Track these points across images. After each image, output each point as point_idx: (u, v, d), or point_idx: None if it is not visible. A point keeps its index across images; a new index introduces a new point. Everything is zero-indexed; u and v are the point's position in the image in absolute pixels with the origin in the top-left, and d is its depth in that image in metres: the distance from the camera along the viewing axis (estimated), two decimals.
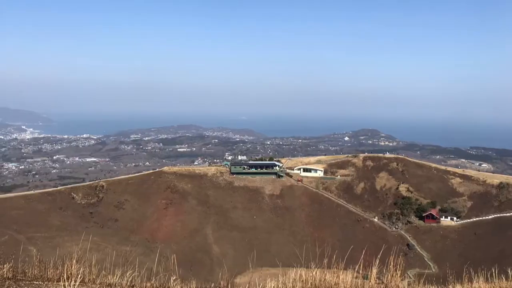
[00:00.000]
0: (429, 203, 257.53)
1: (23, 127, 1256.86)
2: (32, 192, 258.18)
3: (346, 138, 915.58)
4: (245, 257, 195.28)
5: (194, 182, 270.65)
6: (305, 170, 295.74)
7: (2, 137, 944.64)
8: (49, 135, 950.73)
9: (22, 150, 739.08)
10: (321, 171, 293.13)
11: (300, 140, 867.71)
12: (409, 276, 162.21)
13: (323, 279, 17.03)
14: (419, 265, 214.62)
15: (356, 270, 21.03)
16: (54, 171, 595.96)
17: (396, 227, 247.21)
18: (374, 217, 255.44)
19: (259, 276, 18.36)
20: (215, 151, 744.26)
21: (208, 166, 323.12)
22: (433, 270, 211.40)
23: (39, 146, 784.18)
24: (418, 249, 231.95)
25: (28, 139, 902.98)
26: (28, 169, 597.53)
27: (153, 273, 17.57)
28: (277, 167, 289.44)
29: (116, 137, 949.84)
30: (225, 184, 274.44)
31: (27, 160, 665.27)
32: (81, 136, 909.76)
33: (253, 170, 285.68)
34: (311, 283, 16.96)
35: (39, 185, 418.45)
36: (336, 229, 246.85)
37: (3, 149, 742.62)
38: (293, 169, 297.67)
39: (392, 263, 17.38)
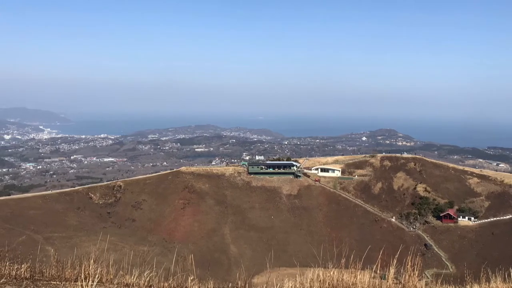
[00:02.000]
0: (446, 203, 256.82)
1: (41, 127, 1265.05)
2: (49, 192, 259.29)
3: (364, 138, 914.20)
4: (262, 257, 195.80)
5: (212, 182, 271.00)
6: (323, 170, 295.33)
7: (20, 137, 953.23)
8: (67, 135, 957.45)
9: (40, 150, 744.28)
10: (339, 171, 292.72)
11: (318, 140, 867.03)
12: (427, 276, 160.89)
13: (340, 279, 17.06)
14: (437, 265, 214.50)
15: (373, 270, 21.06)
16: (72, 171, 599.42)
17: (414, 227, 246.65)
18: (392, 217, 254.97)
19: (277, 276, 18.38)
20: (232, 151, 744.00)
21: (226, 166, 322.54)
22: (451, 270, 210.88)
23: (57, 146, 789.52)
24: (436, 249, 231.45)
25: (45, 139, 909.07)
26: (46, 169, 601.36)
27: (171, 273, 17.64)
28: (294, 167, 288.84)
29: (134, 137, 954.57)
30: (243, 184, 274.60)
31: (45, 160, 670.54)
32: (99, 136, 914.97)
33: (271, 170, 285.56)
34: (328, 283, 16.99)
35: (56, 185, 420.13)
36: (354, 229, 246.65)
37: (20, 149, 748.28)
38: (310, 169, 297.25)
39: (409, 263, 17.38)
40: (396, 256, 17.74)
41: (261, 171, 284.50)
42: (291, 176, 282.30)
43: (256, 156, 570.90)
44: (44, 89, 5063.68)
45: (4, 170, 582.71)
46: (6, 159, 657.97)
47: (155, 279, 17.09)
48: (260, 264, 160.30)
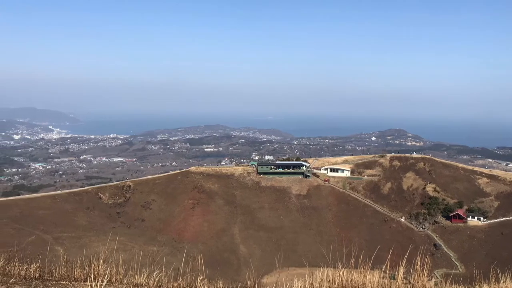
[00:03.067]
0: (456, 203, 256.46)
1: (50, 127, 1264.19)
2: (59, 192, 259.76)
3: (373, 138, 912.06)
4: (272, 257, 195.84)
5: (221, 182, 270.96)
6: (332, 170, 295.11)
7: (29, 137, 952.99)
8: (76, 135, 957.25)
9: (49, 150, 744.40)
10: (348, 171, 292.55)
11: (327, 140, 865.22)
12: (436, 276, 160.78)
13: (350, 279, 17.02)
14: (446, 265, 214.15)
15: (383, 270, 20.99)
16: (81, 171, 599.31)
17: (423, 227, 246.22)
18: (401, 217, 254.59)
19: (286, 276, 18.38)
20: (242, 151, 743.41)
21: (235, 166, 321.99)
22: (460, 270, 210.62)
23: (66, 146, 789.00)
24: (445, 249, 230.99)
25: (55, 139, 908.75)
26: (55, 169, 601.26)
27: (180, 273, 17.60)
28: (304, 167, 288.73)
29: (143, 137, 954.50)
30: (252, 184, 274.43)
31: (54, 160, 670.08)
32: (108, 136, 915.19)
33: (280, 170, 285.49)
34: (338, 283, 16.96)
35: (66, 185, 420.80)
36: (363, 229, 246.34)
37: (30, 149, 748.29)
38: (320, 169, 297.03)
39: (419, 263, 17.33)
40: (406, 256, 17.72)
41: (271, 171, 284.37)
42: (300, 176, 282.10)
43: (266, 156, 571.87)
44: (53, 89, 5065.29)
45: (13, 170, 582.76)
46: (15, 159, 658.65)
47: (164, 279, 17.08)
48: (269, 264, 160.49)
